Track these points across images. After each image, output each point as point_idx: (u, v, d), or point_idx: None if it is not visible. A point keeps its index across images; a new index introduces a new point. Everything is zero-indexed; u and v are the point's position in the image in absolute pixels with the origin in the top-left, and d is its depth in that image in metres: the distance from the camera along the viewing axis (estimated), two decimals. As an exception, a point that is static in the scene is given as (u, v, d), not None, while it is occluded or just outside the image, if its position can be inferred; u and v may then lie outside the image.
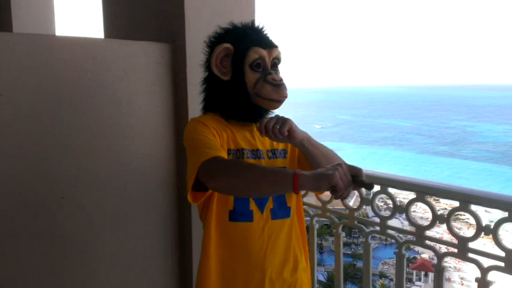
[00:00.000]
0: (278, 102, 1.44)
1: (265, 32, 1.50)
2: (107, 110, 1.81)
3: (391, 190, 1.72)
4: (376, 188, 1.76)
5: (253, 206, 1.43)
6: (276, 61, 1.48)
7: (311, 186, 1.13)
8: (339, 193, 1.08)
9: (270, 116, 1.44)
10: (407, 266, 29.87)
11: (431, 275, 28.90)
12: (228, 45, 1.44)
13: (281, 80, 1.44)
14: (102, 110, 1.80)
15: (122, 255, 1.92)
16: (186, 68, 1.92)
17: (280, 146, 1.53)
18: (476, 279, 1.50)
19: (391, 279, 28.69)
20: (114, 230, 1.89)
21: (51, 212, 1.70)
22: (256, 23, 1.51)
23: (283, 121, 1.32)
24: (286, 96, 1.45)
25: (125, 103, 1.86)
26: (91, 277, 1.84)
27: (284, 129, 1.30)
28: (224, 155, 1.32)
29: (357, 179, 1.11)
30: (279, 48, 1.50)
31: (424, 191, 1.61)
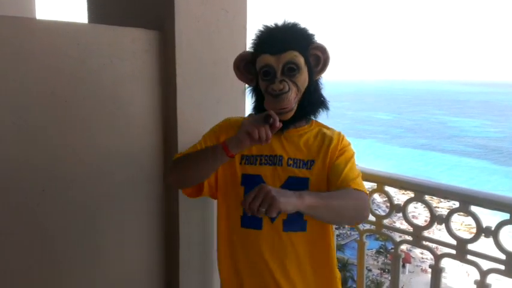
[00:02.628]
0: (277, 114, 1.29)
1: (281, 34, 1.36)
2: (91, 99, 1.71)
3: (387, 189, 1.68)
4: (373, 185, 1.72)
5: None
6: (291, 66, 1.34)
7: (235, 142, 1.26)
8: (256, 137, 1.20)
9: (255, 191, 1.14)
10: (386, 256, 30.64)
11: (408, 266, 29.58)
12: (246, 52, 1.45)
13: (282, 89, 1.31)
14: (86, 99, 1.70)
15: (107, 249, 1.84)
16: (175, 56, 1.83)
17: (307, 157, 1.40)
18: (475, 282, 1.47)
19: (370, 270, 29.23)
20: (98, 224, 1.80)
21: (31, 206, 1.61)
22: (277, 23, 1.39)
23: (269, 203, 1.10)
24: (283, 108, 1.33)
25: (110, 92, 1.76)
26: (73, 273, 1.75)
27: (271, 213, 1.11)
28: None
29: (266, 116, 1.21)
30: (308, 48, 1.37)
31: (422, 191, 1.56)
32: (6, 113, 1.51)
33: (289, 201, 1.13)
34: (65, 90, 1.64)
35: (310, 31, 1.40)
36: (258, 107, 1.45)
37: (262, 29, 1.41)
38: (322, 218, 1.30)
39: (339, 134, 1.46)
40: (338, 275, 1.47)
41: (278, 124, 1.21)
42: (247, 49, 1.47)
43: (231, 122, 1.51)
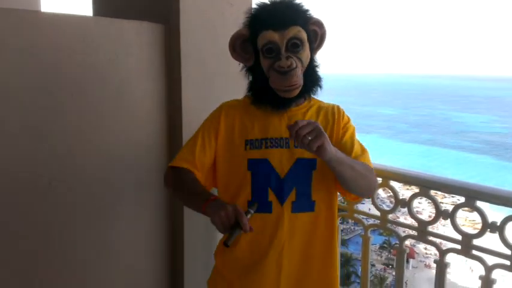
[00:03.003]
0: (284, 91, 1.33)
1: (283, 10, 1.34)
2: (96, 92, 1.72)
3: (393, 183, 1.67)
4: (377, 180, 1.71)
5: (272, 196, 1.35)
6: (295, 41, 1.31)
7: (210, 213, 1.21)
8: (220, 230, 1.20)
9: (306, 120, 1.21)
10: (389, 252, 30.63)
11: (412, 261, 29.55)
12: (243, 30, 1.40)
13: (290, 66, 1.29)
14: (91, 92, 1.70)
15: (111, 242, 1.85)
16: (180, 50, 1.83)
17: None
18: (480, 277, 1.46)
19: (373, 265, 29.22)
20: (103, 217, 1.81)
21: (39, 197, 1.61)
22: (269, 0, 1.36)
23: (316, 134, 1.16)
24: (292, 85, 1.31)
25: (115, 85, 1.76)
26: (78, 265, 1.76)
27: (314, 145, 1.16)
28: (191, 165, 1.41)
29: (236, 226, 1.18)
30: (308, 23, 1.35)
31: (428, 186, 1.55)
32: (11, 107, 1.51)
33: (330, 144, 1.20)
34: (70, 84, 1.64)
35: (306, 6, 1.39)
36: (257, 86, 1.42)
37: (259, 5, 1.38)
38: (344, 176, 1.31)
39: (338, 108, 1.48)
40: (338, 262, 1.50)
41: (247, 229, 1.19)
42: (242, 27, 1.42)
43: (230, 105, 1.49)
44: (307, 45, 1.35)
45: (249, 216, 1.24)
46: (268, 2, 1.37)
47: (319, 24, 1.40)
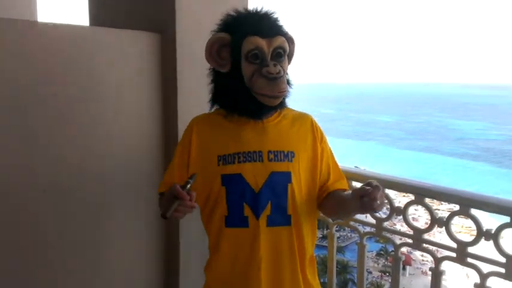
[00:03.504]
0: (273, 98, 1.30)
1: (270, 19, 1.34)
2: (93, 101, 1.72)
3: (388, 191, 1.67)
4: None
5: (247, 211, 1.33)
6: (279, 51, 1.32)
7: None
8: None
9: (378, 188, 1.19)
10: (386, 259, 30.59)
11: (409, 268, 29.50)
12: (223, 34, 1.36)
13: (278, 72, 1.28)
14: (88, 101, 1.71)
15: (106, 249, 1.85)
16: (176, 59, 1.84)
17: (287, 148, 1.37)
18: (475, 285, 1.46)
19: (370, 272, 29.14)
20: (98, 225, 1.81)
21: (33, 206, 1.61)
22: (262, 8, 1.36)
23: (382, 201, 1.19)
24: (282, 92, 1.30)
25: (112, 94, 1.78)
26: (73, 273, 1.76)
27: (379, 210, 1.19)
28: (176, 180, 1.35)
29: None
30: (286, 36, 1.35)
31: (423, 194, 1.56)
32: (8, 114, 1.52)
33: None
34: (67, 93, 1.65)
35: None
36: (234, 94, 1.36)
37: (244, 11, 1.37)
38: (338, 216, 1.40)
39: (312, 121, 1.47)
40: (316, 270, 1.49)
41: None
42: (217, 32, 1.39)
43: (200, 121, 1.47)
44: (286, 56, 1.36)
45: (188, 186, 1.19)
46: (251, 10, 1.37)
47: (292, 40, 1.41)
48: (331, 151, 1.48)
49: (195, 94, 1.90)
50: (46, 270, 1.68)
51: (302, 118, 1.47)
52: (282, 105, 1.39)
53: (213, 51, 1.37)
